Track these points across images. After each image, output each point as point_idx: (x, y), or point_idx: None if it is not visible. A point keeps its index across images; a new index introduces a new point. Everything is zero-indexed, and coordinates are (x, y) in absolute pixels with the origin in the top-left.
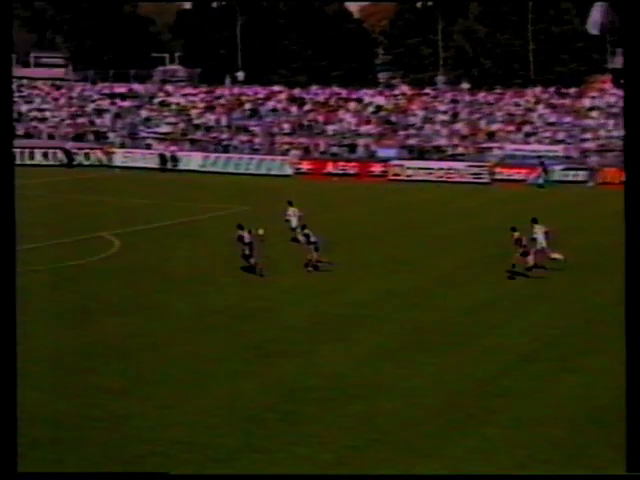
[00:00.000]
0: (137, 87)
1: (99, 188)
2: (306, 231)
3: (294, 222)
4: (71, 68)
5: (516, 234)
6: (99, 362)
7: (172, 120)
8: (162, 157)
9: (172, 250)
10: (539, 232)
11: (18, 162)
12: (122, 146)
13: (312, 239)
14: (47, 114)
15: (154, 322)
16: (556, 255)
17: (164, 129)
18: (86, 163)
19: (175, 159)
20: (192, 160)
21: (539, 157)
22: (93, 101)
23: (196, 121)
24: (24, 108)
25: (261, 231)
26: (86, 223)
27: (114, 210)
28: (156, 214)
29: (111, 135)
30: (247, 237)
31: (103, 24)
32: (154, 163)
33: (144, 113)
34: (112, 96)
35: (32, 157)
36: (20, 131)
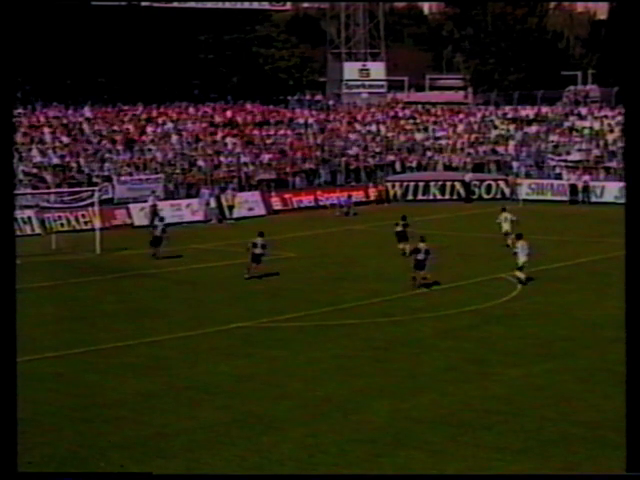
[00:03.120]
0: (545, 110)
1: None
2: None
3: (505, 227)
4: (471, 91)
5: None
6: (496, 419)
7: (584, 146)
8: (573, 188)
9: (576, 293)
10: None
11: (410, 197)
12: (527, 176)
13: (419, 256)
14: (443, 143)
15: (557, 374)
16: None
17: (575, 157)
18: (486, 196)
19: (587, 190)
20: (607, 191)
21: None
22: (496, 127)
23: (612, 147)
24: (418, 137)
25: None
26: (484, 263)
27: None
28: (563, 252)
29: (515, 164)
30: (259, 247)
31: (507, 40)
32: (563, 195)
33: (552, 139)
34: (517, 121)
35: (427, 191)
36: (413, 162)
